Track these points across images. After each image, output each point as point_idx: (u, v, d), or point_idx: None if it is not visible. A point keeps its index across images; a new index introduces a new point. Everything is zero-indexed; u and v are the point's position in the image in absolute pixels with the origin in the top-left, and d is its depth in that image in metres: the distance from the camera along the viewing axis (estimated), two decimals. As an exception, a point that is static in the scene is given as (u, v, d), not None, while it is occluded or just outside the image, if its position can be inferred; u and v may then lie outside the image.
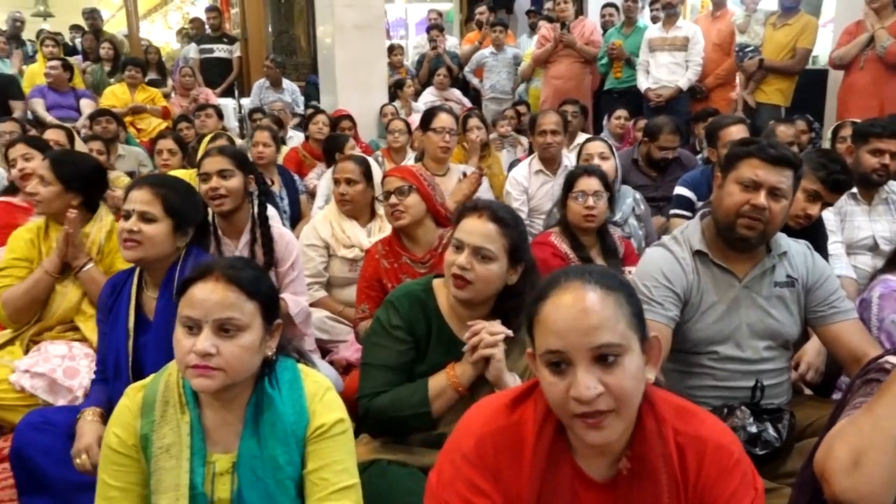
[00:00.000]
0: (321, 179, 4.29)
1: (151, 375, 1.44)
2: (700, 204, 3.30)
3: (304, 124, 5.97)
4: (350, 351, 2.75)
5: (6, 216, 3.02)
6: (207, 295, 1.30)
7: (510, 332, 1.64)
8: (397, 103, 6.50)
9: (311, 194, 4.39)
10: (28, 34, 8.88)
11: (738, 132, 3.38)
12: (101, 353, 2.03)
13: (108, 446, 1.37)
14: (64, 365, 2.37)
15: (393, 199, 2.46)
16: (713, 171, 3.40)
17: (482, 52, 7.11)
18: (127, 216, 1.90)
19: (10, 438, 2.13)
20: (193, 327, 1.30)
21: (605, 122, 5.71)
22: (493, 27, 7.10)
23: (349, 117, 5.34)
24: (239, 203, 2.54)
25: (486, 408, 1.23)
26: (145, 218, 1.88)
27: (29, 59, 7.92)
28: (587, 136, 5.07)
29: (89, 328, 2.47)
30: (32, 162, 3.03)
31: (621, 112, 5.50)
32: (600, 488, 1.15)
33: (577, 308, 1.05)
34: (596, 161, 3.25)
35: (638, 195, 3.47)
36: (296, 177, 4.40)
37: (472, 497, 1.14)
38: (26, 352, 2.46)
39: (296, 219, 4.15)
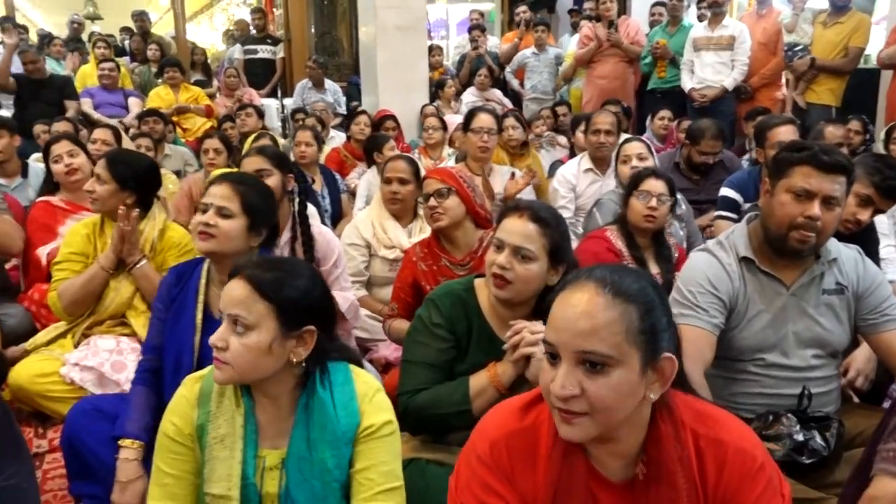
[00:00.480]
0: (361, 179, 4.32)
1: (209, 367, 1.46)
2: (746, 206, 3.24)
3: (345, 124, 6.03)
4: (389, 350, 2.76)
5: (46, 216, 3.12)
6: (229, 291, 1.35)
7: None
8: (438, 103, 6.51)
9: (352, 193, 4.44)
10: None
11: (787, 133, 3.31)
12: (152, 343, 2.04)
13: (165, 434, 1.40)
14: (112, 359, 2.44)
15: (432, 202, 2.45)
16: (760, 173, 3.35)
17: (524, 52, 7.08)
18: (205, 210, 1.93)
19: (60, 430, 2.19)
20: (223, 320, 1.35)
21: (648, 122, 5.65)
22: (534, 27, 7.07)
23: (392, 117, 5.37)
24: (278, 199, 2.56)
25: (500, 411, 1.24)
26: (222, 213, 1.91)
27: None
28: (628, 136, 5.03)
29: (139, 323, 2.54)
30: (78, 158, 3.12)
31: (665, 112, 5.43)
32: (617, 489, 1.14)
33: (577, 309, 1.05)
34: (634, 162, 3.21)
35: (679, 195, 3.41)
36: (337, 176, 4.44)
37: (486, 499, 1.15)
38: (76, 345, 2.54)
39: (337, 218, 4.19)
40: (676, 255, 2.78)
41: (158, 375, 2.01)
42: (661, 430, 1.10)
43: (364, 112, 5.49)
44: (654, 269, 2.64)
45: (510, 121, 4.40)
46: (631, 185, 2.68)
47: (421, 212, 2.99)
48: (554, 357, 1.06)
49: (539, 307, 1.76)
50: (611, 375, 1.03)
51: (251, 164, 2.54)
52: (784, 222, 1.76)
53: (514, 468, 1.15)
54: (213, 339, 1.32)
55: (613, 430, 1.08)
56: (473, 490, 1.15)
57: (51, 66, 6.65)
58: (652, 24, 6.64)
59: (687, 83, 5.75)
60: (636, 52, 6.23)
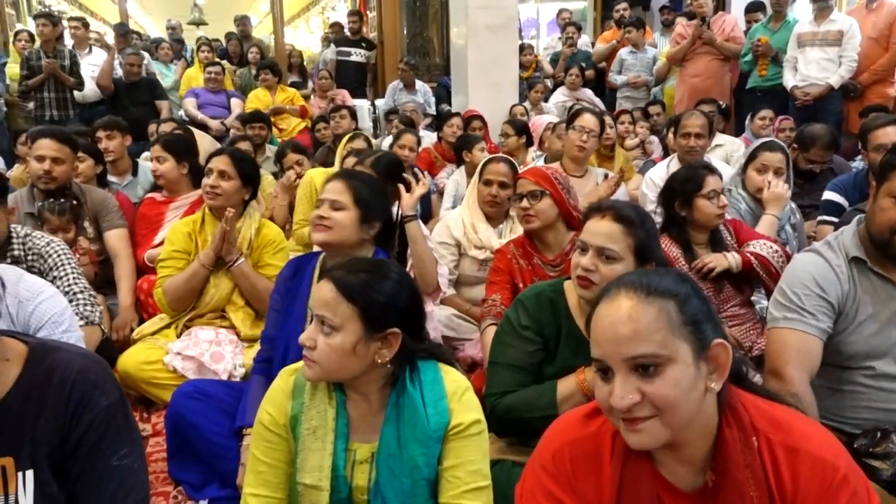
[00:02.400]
0: (449, 179, 4.35)
1: (303, 360, 1.51)
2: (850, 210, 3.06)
3: (434, 125, 6.08)
4: (475, 349, 2.76)
5: (151, 211, 3.38)
6: (318, 292, 1.39)
7: None
8: (527, 103, 6.48)
9: (441, 194, 4.47)
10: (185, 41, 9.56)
11: (892, 134, 3.10)
12: (269, 333, 2.15)
13: (261, 423, 1.45)
14: (211, 350, 2.56)
15: (524, 203, 2.43)
16: (867, 176, 3.15)
17: (621, 51, 6.95)
18: (320, 205, 2.04)
19: (163, 414, 2.32)
20: (314, 320, 1.40)
21: (747, 122, 5.43)
22: (626, 26, 6.93)
23: (480, 117, 5.38)
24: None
25: (564, 419, 1.23)
26: (335, 206, 2.01)
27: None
28: (725, 136, 4.86)
29: (238, 318, 2.67)
30: (164, 164, 3.32)
31: (766, 112, 5.20)
32: (688, 498, 1.11)
33: (614, 318, 1.04)
34: (770, 176, 2.96)
35: (793, 204, 3.25)
36: (440, 176, 4.48)
37: None
38: (179, 335, 2.67)
39: (426, 217, 4.23)
40: (732, 233, 2.65)
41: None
42: (726, 436, 1.07)
43: (457, 114, 5.53)
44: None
45: (607, 120, 4.32)
46: (691, 187, 2.51)
47: (512, 213, 2.98)
48: (605, 372, 1.06)
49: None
50: (666, 374, 1.01)
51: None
52: (885, 227, 1.70)
53: (577, 476, 1.15)
54: (303, 338, 1.36)
55: (682, 433, 1.05)
56: (538, 498, 1.16)
57: (159, 70, 7.03)
58: (748, 23, 6.39)
59: (789, 81, 5.50)
60: (732, 49, 6.01)
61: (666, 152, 4.93)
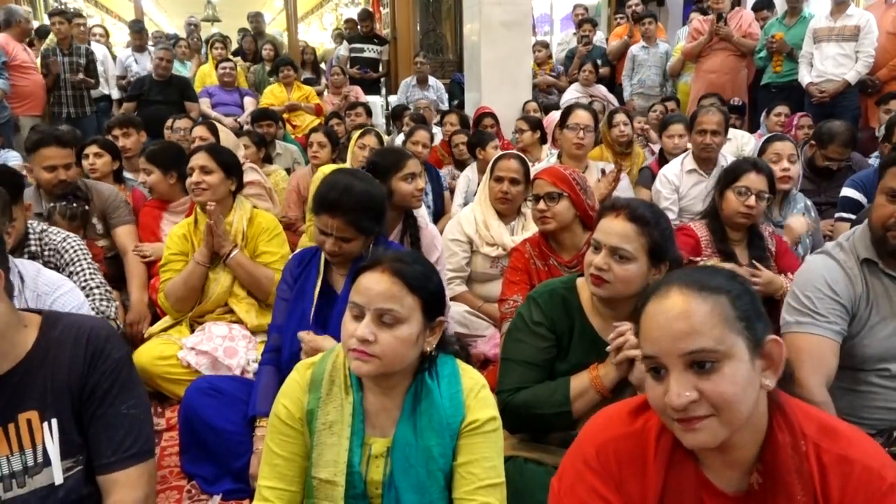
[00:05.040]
0: (460, 178, 4.35)
1: (321, 354, 1.52)
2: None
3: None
4: (488, 346, 2.77)
5: (148, 218, 3.36)
6: (373, 285, 1.36)
7: None
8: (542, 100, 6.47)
9: (452, 191, 4.48)
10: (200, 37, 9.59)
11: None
12: (277, 322, 2.18)
13: (277, 416, 1.46)
14: (224, 345, 2.57)
15: (541, 205, 2.41)
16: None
17: (633, 48, 6.91)
18: (325, 233, 2.03)
19: (177, 410, 2.34)
20: (359, 314, 1.36)
21: (762, 118, 5.38)
22: (641, 20, 6.89)
23: (491, 114, 5.37)
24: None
25: (608, 414, 1.21)
26: (342, 238, 2.01)
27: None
28: (736, 131, 4.82)
29: (242, 309, 2.69)
30: (152, 176, 3.32)
31: (781, 108, 5.15)
32: (731, 501, 1.09)
33: (669, 314, 1.03)
34: (784, 164, 3.05)
35: (808, 202, 3.22)
36: (442, 173, 4.49)
37: (592, 503, 1.12)
38: (192, 331, 2.69)
39: (439, 214, 4.24)
40: (774, 245, 2.62)
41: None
42: (777, 439, 1.05)
43: (452, 111, 5.52)
44: (744, 260, 2.50)
45: (621, 117, 4.30)
46: (729, 178, 2.52)
47: (525, 210, 2.97)
48: (658, 371, 1.04)
49: (643, 307, 1.72)
50: (723, 370, 1.00)
51: (412, 166, 2.63)
52: (879, 223, 1.71)
53: (621, 473, 1.13)
54: (363, 333, 1.33)
55: (737, 433, 1.04)
56: (579, 493, 1.14)
57: (175, 68, 7.06)
58: (759, 21, 6.32)
59: (805, 77, 5.45)
60: (749, 45, 5.96)
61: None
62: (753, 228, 2.56)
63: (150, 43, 7.47)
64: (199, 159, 2.68)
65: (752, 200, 2.44)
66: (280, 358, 2.12)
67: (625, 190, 3.60)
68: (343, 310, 1.96)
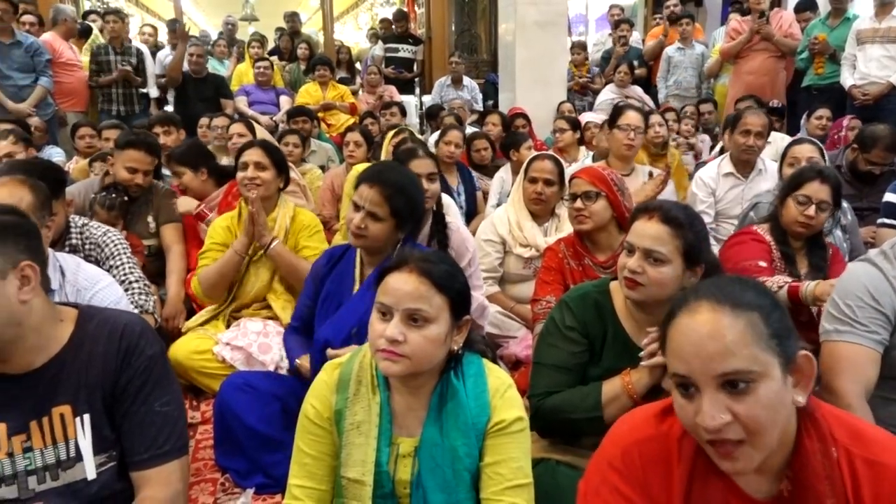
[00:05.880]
0: (494, 179, 4.34)
1: (348, 354, 1.53)
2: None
3: (479, 122, 6.08)
4: (520, 347, 2.76)
5: (191, 220, 3.41)
6: (401, 285, 1.36)
7: None
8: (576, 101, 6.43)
9: (485, 191, 4.47)
10: (237, 37, 9.71)
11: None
12: (300, 311, 2.25)
13: (306, 416, 1.47)
14: (259, 341, 2.60)
15: (578, 204, 2.40)
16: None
17: (668, 49, 6.83)
18: (357, 208, 2.05)
19: (212, 404, 2.37)
20: (386, 313, 1.36)
21: (803, 121, 5.28)
22: (678, 20, 6.81)
23: (523, 115, 5.35)
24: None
25: (635, 416, 1.20)
26: (372, 216, 2.02)
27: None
28: (775, 133, 4.74)
29: (279, 305, 2.73)
30: (184, 177, 3.40)
31: (823, 111, 5.05)
32: None
33: (702, 332, 0.99)
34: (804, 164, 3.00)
35: (845, 204, 3.16)
36: (474, 174, 4.48)
37: (615, 502, 1.11)
38: (227, 326, 2.73)
39: (472, 214, 4.24)
40: (830, 254, 2.56)
41: (303, 327, 2.25)
42: (805, 445, 1.03)
43: (494, 111, 5.50)
44: (804, 268, 2.45)
45: (656, 118, 4.25)
46: (791, 185, 2.46)
47: (559, 211, 2.96)
48: (686, 388, 1.01)
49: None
50: (758, 391, 0.97)
51: (422, 166, 2.66)
52: None
53: (646, 476, 1.11)
54: (392, 333, 1.33)
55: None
56: (603, 496, 1.13)
57: (213, 66, 7.15)
58: (799, 23, 6.20)
59: (847, 79, 5.33)
60: (789, 45, 5.85)
61: (720, 151, 4.84)
62: (818, 238, 2.50)
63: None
64: (253, 155, 2.72)
65: (811, 210, 2.38)
66: (304, 330, 2.22)
67: (669, 194, 3.55)
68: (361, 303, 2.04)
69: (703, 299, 1.02)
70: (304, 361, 2.15)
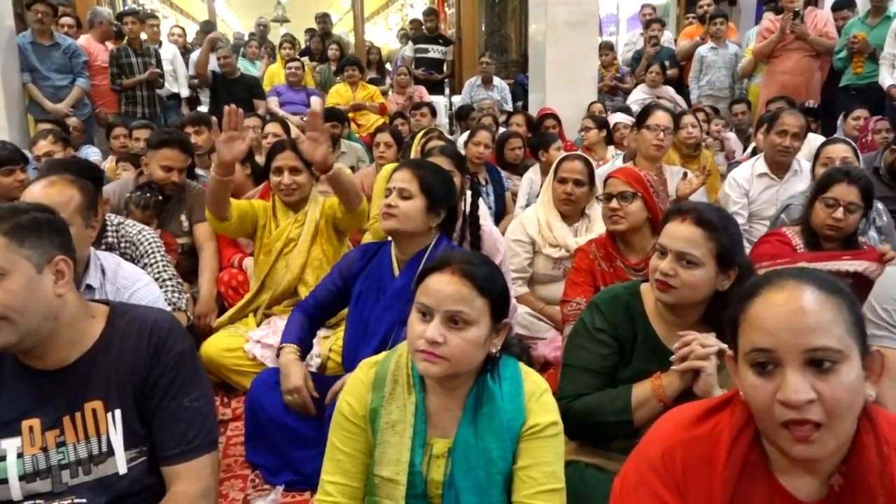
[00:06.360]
0: (523, 179, 4.34)
1: (384, 353, 1.54)
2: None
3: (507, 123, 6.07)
4: (549, 349, 2.75)
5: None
6: (442, 286, 1.36)
7: (724, 346, 1.53)
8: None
9: (513, 192, 4.47)
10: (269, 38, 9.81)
11: None
12: (317, 294, 2.28)
13: (341, 413, 1.48)
14: (289, 339, 2.62)
15: (614, 204, 2.38)
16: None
17: (701, 48, 6.74)
18: (388, 194, 2.09)
19: (242, 401, 2.40)
20: (426, 314, 1.37)
21: (840, 122, 5.19)
22: (711, 20, 6.72)
23: (553, 115, 5.33)
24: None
25: (676, 416, 1.17)
26: (403, 195, 2.06)
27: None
28: (815, 136, 4.66)
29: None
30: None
31: (861, 112, 4.95)
32: None
33: (793, 306, 0.97)
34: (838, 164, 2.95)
35: (880, 205, 3.09)
36: (503, 174, 4.48)
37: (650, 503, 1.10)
38: (258, 324, 2.76)
39: (500, 214, 4.23)
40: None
41: (313, 319, 2.27)
42: (863, 441, 1.01)
43: (519, 112, 5.48)
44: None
45: (689, 119, 4.20)
46: (819, 187, 2.43)
47: (588, 211, 2.95)
48: (764, 366, 0.98)
49: (708, 314, 1.68)
50: (841, 373, 0.95)
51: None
52: None
53: (687, 478, 1.10)
54: (432, 334, 1.33)
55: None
56: (640, 496, 1.11)
57: (244, 67, 7.24)
58: (836, 21, 6.08)
59: (886, 79, 5.21)
60: (825, 45, 5.74)
61: (753, 152, 4.77)
62: (852, 240, 2.44)
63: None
64: (288, 160, 2.75)
65: (839, 213, 2.34)
66: (313, 312, 2.25)
67: (698, 196, 3.51)
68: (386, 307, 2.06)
69: (790, 279, 1.00)
70: (287, 353, 2.14)
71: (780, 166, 3.56)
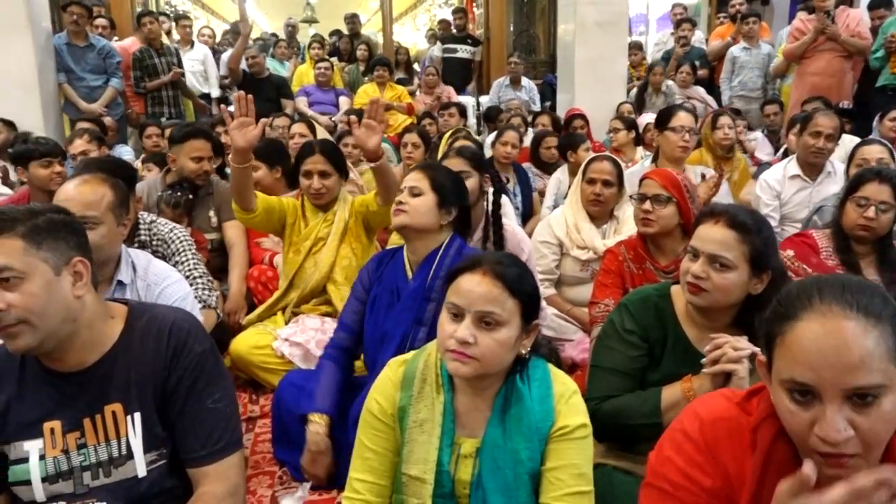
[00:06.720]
0: (550, 180, 4.32)
1: (413, 352, 1.54)
2: None
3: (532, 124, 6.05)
4: (576, 350, 2.74)
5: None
6: (473, 286, 1.36)
7: (757, 350, 1.51)
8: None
9: (540, 193, 4.45)
10: (298, 38, 9.88)
11: None
12: (347, 321, 2.21)
13: (370, 411, 1.48)
14: (316, 337, 2.65)
15: (647, 206, 2.35)
16: None
17: (733, 49, 6.65)
18: (400, 193, 2.12)
19: (271, 398, 2.42)
20: (457, 314, 1.37)
21: (875, 122, 5.08)
22: (744, 19, 6.63)
23: (582, 116, 5.30)
24: (474, 201, 2.63)
25: (717, 397, 1.17)
26: (413, 192, 2.09)
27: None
28: (845, 135, 4.57)
29: (338, 296, 2.77)
30: (259, 172, 3.44)
31: (896, 112, 4.85)
32: None
33: (836, 341, 0.92)
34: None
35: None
36: (537, 172, 4.46)
37: (691, 471, 1.09)
38: (287, 322, 2.79)
39: (528, 215, 4.22)
40: None
41: (349, 353, 2.19)
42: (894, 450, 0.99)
43: (544, 113, 5.45)
44: (872, 275, 2.35)
45: (726, 119, 4.12)
46: (850, 188, 2.39)
47: (617, 213, 2.92)
48: (804, 395, 0.95)
49: (740, 318, 1.66)
50: (882, 405, 0.92)
51: (451, 165, 2.62)
52: None
53: (723, 454, 1.09)
54: (463, 335, 1.33)
55: None
56: (677, 463, 1.10)
57: (274, 67, 7.30)
58: (873, 20, 5.96)
59: (925, 80, 5.11)
60: (858, 45, 5.62)
61: (784, 154, 4.70)
62: (886, 242, 2.39)
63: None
64: (317, 163, 2.76)
65: (871, 212, 2.30)
66: (343, 357, 2.17)
67: (723, 196, 3.47)
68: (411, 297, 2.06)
69: (833, 303, 0.95)
70: (316, 429, 2.02)
71: (813, 168, 3.50)
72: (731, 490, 1.08)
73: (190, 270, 2.54)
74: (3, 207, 1.36)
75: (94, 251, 1.86)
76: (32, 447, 1.36)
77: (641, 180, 2.48)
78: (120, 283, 2.00)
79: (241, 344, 2.70)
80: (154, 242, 2.55)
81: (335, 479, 2.06)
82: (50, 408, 1.37)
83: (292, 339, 2.64)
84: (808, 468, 0.90)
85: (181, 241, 2.58)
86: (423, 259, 2.12)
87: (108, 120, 5.47)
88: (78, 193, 1.91)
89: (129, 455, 1.38)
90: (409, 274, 2.14)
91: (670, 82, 6.48)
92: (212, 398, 1.41)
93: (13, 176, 4.20)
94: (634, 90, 6.67)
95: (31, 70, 5.16)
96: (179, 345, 1.40)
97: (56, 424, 1.36)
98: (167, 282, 2.06)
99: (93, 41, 5.71)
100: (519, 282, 1.38)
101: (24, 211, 1.32)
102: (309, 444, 2.04)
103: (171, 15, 7.98)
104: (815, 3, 5.73)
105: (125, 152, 5.29)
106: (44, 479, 1.36)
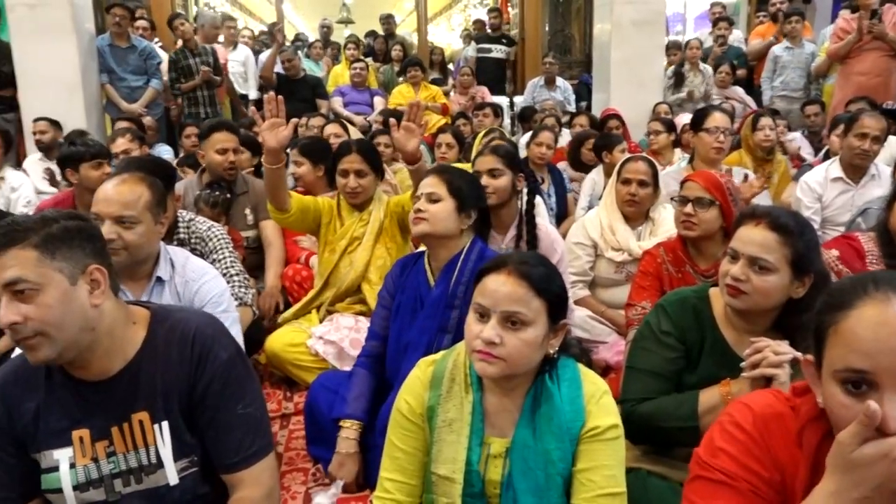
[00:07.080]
0: (585, 181, 4.28)
1: (442, 352, 1.54)
2: None
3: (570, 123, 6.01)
4: (611, 353, 2.71)
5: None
6: (499, 287, 1.36)
7: (798, 355, 1.48)
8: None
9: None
10: (334, 39, 9.96)
11: None
12: (376, 329, 2.21)
13: (399, 411, 1.49)
14: (350, 336, 2.66)
15: (689, 209, 2.32)
16: None
17: (775, 48, 6.53)
18: (417, 200, 2.11)
19: (305, 395, 2.44)
20: (483, 315, 1.37)
21: (924, 124, 4.95)
22: (786, 17, 6.50)
23: (617, 116, 5.25)
24: (506, 199, 2.62)
25: (764, 393, 1.15)
26: (431, 198, 2.08)
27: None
28: (891, 137, 4.45)
29: (372, 295, 2.76)
30: (302, 168, 3.53)
31: (947, 114, 4.72)
32: None
33: (893, 328, 0.90)
34: None
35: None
36: (565, 175, 4.44)
37: (746, 461, 1.07)
38: (321, 321, 2.81)
39: (562, 216, 4.19)
40: None
41: (380, 361, 2.17)
42: None
43: (582, 113, 5.41)
44: None
45: (767, 121, 4.03)
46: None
47: (653, 214, 2.89)
48: (858, 386, 0.93)
49: (781, 322, 1.63)
50: None
51: (484, 163, 2.62)
52: None
53: (776, 449, 1.07)
54: (489, 335, 1.34)
55: None
56: (731, 453, 1.08)
57: (309, 67, 7.36)
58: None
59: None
60: (906, 43, 5.49)
61: (826, 155, 4.60)
62: None
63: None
64: (354, 163, 2.77)
65: None
66: (376, 364, 2.17)
67: (762, 199, 3.40)
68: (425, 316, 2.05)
69: (886, 289, 0.94)
70: (347, 434, 2.05)
71: (856, 170, 3.42)
72: (784, 483, 1.06)
73: (227, 268, 2.57)
74: (15, 217, 1.34)
75: (133, 249, 1.91)
76: (62, 455, 1.35)
77: (683, 182, 2.45)
78: (159, 279, 2.03)
79: (276, 341, 2.73)
80: (192, 240, 2.59)
81: (366, 479, 2.07)
82: (78, 416, 1.36)
83: (326, 338, 2.66)
84: (874, 405, 0.88)
85: (219, 239, 2.61)
86: (444, 265, 2.11)
87: (147, 120, 5.57)
88: (116, 193, 1.94)
89: (160, 463, 1.37)
90: (431, 281, 2.13)
91: (707, 67, 6.39)
92: (241, 403, 1.40)
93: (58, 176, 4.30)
94: (671, 68, 6.59)
95: (75, 71, 5.29)
96: (204, 353, 1.38)
97: (85, 433, 1.36)
98: (205, 278, 2.09)
99: (134, 42, 5.83)
100: (545, 281, 1.37)
101: (37, 220, 1.29)
102: (339, 448, 2.05)
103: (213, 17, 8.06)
104: (859, 2, 5.60)
105: (164, 152, 5.38)
106: (75, 488, 1.35)
